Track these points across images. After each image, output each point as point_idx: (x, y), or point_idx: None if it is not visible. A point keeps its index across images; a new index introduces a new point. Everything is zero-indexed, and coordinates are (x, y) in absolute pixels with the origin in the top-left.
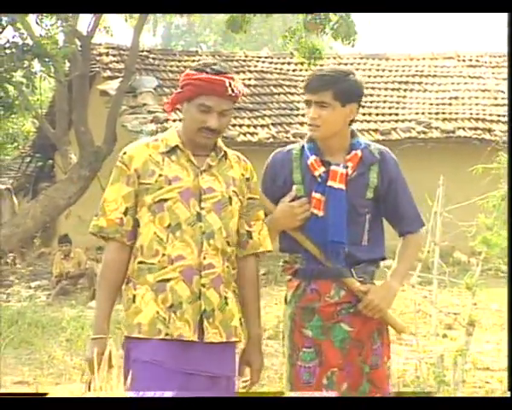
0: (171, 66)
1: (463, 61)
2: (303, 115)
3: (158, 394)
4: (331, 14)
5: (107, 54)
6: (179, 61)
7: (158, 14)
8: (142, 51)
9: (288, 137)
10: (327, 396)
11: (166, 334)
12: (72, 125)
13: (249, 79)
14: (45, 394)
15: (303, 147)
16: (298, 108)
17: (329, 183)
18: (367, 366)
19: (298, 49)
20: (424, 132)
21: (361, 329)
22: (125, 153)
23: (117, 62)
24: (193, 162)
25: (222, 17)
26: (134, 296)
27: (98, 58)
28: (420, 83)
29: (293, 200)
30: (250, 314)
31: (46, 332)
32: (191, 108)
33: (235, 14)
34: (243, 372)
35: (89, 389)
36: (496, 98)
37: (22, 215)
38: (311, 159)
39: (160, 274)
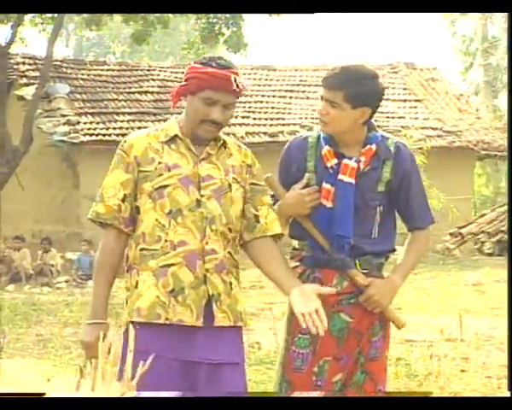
0: (82, 74)
1: None
2: None
3: (160, 388)
4: (224, 29)
5: (24, 63)
6: (89, 69)
7: (69, 28)
8: (56, 61)
9: None
10: (325, 396)
11: (166, 318)
12: None
13: (153, 87)
14: (43, 393)
15: (319, 135)
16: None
17: (340, 176)
18: (362, 356)
19: (195, 59)
20: None
21: (361, 320)
22: (125, 141)
23: (33, 70)
24: (192, 151)
25: (129, 30)
26: (137, 282)
27: (15, 67)
28: (303, 91)
29: (304, 187)
30: (281, 273)
31: None
32: (195, 101)
33: (139, 28)
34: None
35: (81, 373)
36: None
37: None
38: (325, 149)
39: (163, 260)
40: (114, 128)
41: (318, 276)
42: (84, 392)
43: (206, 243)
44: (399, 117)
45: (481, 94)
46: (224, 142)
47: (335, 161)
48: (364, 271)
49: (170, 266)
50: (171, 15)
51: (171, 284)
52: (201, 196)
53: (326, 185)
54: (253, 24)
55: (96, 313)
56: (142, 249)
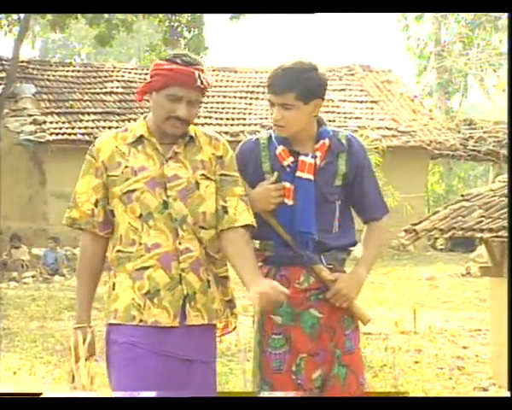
0: (48, 75)
1: None
2: None
3: (143, 383)
4: (185, 32)
5: None
6: (55, 70)
7: (36, 30)
8: (22, 62)
9: None
10: (321, 397)
11: (140, 320)
12: None
13: (117, 88)
14: (40, 394)
15: (270, 136)
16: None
17: (298, 173)
18: (338, 350)
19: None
20: None
21: (331, 314)
22: (93, 145)
23: None
24: (159, 151)
25: (94, 33)
26: (114, 284)
27: None
28: (263, 92)
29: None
30: (244, 270)
31: None
32: (160, 98)
33: (102, 31)
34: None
35: (73, 378)
36: (327, 106)
37: None
38: (279, 149)
39: (138, 263)
40: (80, 128)
41: (284, 274)
42: (82, 392)
43: (180, 243)
44: (356, 117)
45: (435, 96)
46: (192, 137)
47: (291, 159)
48: (329, 266)
49: (146, 268)
50: (134, 18)
51: (146, 287)
52: (168, 196)
53: (285, 184)
54: (214, 27)
55: (79, 317)
56: (118, 251)
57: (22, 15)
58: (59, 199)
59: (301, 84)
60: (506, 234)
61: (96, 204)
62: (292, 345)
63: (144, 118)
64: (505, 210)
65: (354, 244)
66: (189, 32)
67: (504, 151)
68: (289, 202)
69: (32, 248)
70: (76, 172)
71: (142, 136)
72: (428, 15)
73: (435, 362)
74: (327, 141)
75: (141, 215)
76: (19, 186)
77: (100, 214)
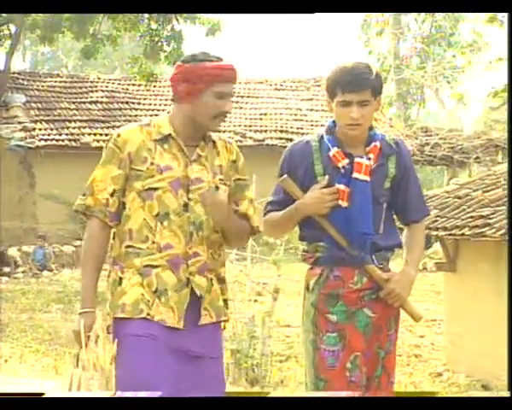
0: (38, 85)
1: (271, 85)
2: None
3: (152, 381)
4: (165, 45)
5: None
6: (44, 81)
7: (26, 43)
8: (14, 73)
9: None
10: (322, 396)
11: (148, 314)
12: None
13: (102, 97)
14: (42, 394)
15: (321, 138)
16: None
17: (354, 175)
18: (382, 351)
19: (139, 72)
20: (240, 141)
21: (381, 315)
22: (119, 135)
23: None
24: (184, 152)
25: (80, 46)
26: (120, 279)
27: None
28: (237, 102)
29: (323, 188)
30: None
31: None
32: (206, 97)
33: (88, 44)
34: None
35: (77, 362)
36: (296, 115)
37: None
38: (333, 151)
39: (148, 260)
40: (67, 134)
41: (338, 274)
42: (83, 392)
43: (190, 248)
44: (322, 125)
45: (394, 105)
46: (214, 141)
47: (347, 160)
48: (380, 266)
49: (154, 267)
50: (119, 33)
51: (154, 284)
52: (189, 199)
53: (339, 186)
54: (192, 41)
55: (84, 302)
56: (127, 247)
57: (13, 30)
58: (47, 200)
59: (374, 81)
60: (459, 232)
61: (112, 194)
62: (346, 343)
63: (167, 114)
64: (458, 210)
65: (400, 245)
66: (169, 45)
67: (457, 156)
68: (344, 203)
69: (22, 246)
70: (63, 175)
71: (169, 135)
72: (388, 32)
73: None
74: (378, 144)
75: (158, 214)
76: (9, 188)
77: (114, 205)
